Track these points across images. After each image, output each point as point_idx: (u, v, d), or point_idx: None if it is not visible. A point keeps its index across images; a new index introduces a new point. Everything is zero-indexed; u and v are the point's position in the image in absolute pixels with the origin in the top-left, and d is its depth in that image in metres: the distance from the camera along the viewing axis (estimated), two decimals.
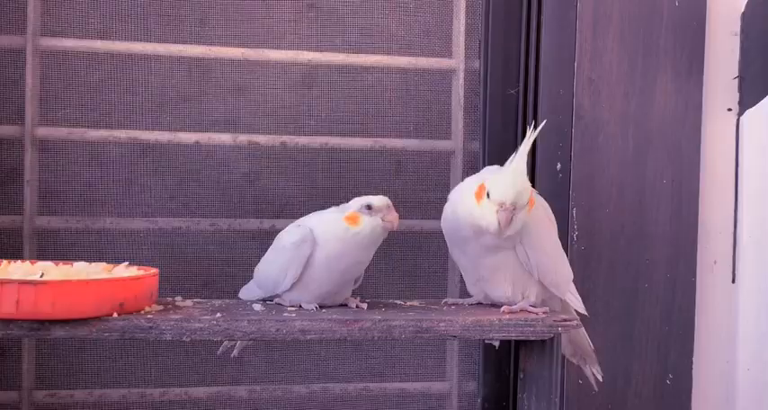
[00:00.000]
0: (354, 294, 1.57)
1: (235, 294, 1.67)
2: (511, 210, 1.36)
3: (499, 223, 1.36)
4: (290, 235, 1.49)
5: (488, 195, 1.37)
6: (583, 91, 1.89)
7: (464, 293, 1.70)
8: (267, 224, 1.87)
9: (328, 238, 1.44)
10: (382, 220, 1.44)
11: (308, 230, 1.46)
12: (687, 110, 1.92)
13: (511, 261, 1.47)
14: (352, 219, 1.44)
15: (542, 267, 1.48)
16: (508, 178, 1.38)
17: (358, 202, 1.45)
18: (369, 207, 1.43)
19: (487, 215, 1.37)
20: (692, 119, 1.92)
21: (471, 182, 1.48)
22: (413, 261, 2.00)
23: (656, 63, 1.91)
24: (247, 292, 1.61)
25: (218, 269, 1.92)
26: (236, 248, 1.93)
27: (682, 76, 1.92)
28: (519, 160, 1.40)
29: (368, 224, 1.44)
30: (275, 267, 1.50)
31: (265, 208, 1.94)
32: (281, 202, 1.94)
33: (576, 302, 1.56)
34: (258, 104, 1.93)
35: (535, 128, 1.43)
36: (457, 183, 1.66)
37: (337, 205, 1.53)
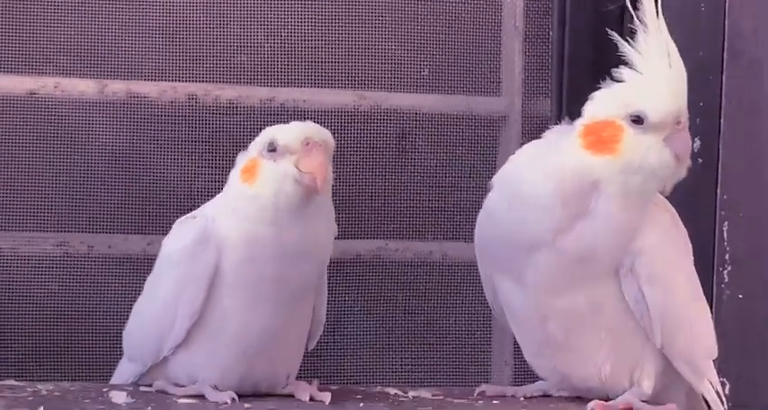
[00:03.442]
0: (307, 374, 1.31)
1: (98, 367, 1.49)
2: (687, 128, 1.19)
3: (678, 157, 1.15)
4: (180, 236, 1.24)
5: (636, 121, 1.15)
6: (743, 2, 1.59)
7: (520, 375, 1.57)
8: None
9: (231, 220, 1.19)
10: (296, 169, 1.16)
11: (208, 221, 1.21)
12: None
13: (609, 304, 1.20)
14: (249, 171, 1.18)
15: (670, 322, 1.22)
16: (670, 74, 1.17)
17: (261, 138, 1.20)
18: (271, 145, 1.17)
19: (651, 154, 1.16)
20: None
21: (547, 142, 1.22)
22: (426, 315, 1.70)
23: None
24: (118, 376, 1.34)
25: (68, 322, 1.59)
26: (102, 286, 1.60)
27: None
28: (664, 39, 1.19)
29: (269, 177, 1.16)
30: (156, 305, 1.24)
31: (162, 214, 1.60)
32: (188, 199, 1.59)
33: (715, 399, 1.27)
34: None
35: None
36: None
37: None
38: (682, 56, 1.66)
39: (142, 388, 1.28)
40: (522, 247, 1.22)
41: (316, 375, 1.36)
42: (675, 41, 1.64)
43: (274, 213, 1.18)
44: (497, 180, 1.29)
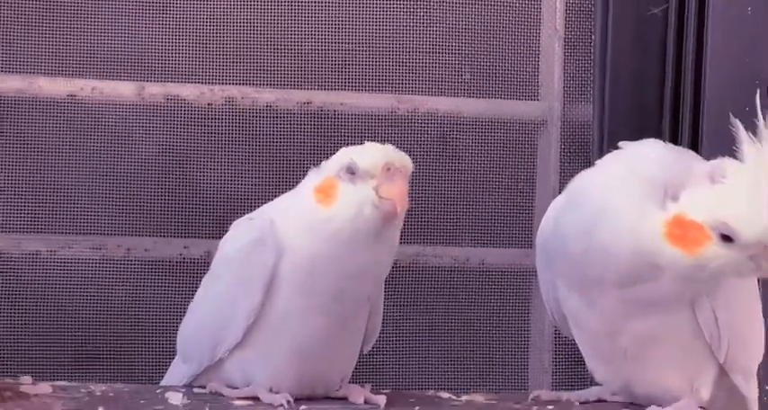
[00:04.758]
0: (360, 378, 1.30)
1: (137, 369, 1.53)
2: None
3: (762, 271, 1.10)
4: (238, 236, 1.23)
5: (726, 238, 1.09)
6: None
7: (560, 381, 1.56)
8: (199, 249, 1.51)
9: (295, 231, 1.17)
10: (376, 194, 1.12)
11: (266, 223, 1.19)
12: None
13: (683, 327, 1.21)
14: (325, 192, 1.15)
15: (736, 341, 1.23)
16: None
17: (339, 159, 1.16)
18: (351, 169, 1.13)
19: (728, 267, 1.11)
20: None
21: (636, 174, 1.16)
22: (463, 321, 1.68)
23: None
24: (171, 377, 1.34)
25: (105, 325, 1.59)
26: (139, 289, 1.59)
27: None
28: None
29: (348, 201, 1.13)
30: (214, 304, 1.23)
31: (199, 217, 1.61)
32: (225, 202, 1.61)
33: (755, 399, 1.28)
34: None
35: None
36: (549, 178, 1.59)
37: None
38: (725, 68, 1.61)
39: (196, 390, 1.29)
40: (591, 276, 1.19)
41: (351, 380, 1.33)
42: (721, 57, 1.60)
43: (351, 236, 1.16)
44: (574, 191, 1.24)
